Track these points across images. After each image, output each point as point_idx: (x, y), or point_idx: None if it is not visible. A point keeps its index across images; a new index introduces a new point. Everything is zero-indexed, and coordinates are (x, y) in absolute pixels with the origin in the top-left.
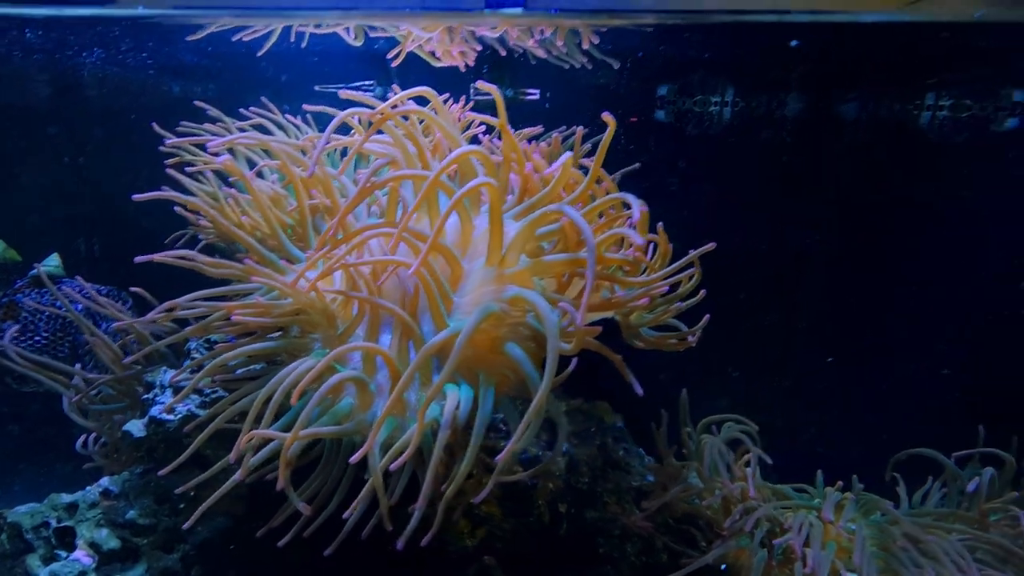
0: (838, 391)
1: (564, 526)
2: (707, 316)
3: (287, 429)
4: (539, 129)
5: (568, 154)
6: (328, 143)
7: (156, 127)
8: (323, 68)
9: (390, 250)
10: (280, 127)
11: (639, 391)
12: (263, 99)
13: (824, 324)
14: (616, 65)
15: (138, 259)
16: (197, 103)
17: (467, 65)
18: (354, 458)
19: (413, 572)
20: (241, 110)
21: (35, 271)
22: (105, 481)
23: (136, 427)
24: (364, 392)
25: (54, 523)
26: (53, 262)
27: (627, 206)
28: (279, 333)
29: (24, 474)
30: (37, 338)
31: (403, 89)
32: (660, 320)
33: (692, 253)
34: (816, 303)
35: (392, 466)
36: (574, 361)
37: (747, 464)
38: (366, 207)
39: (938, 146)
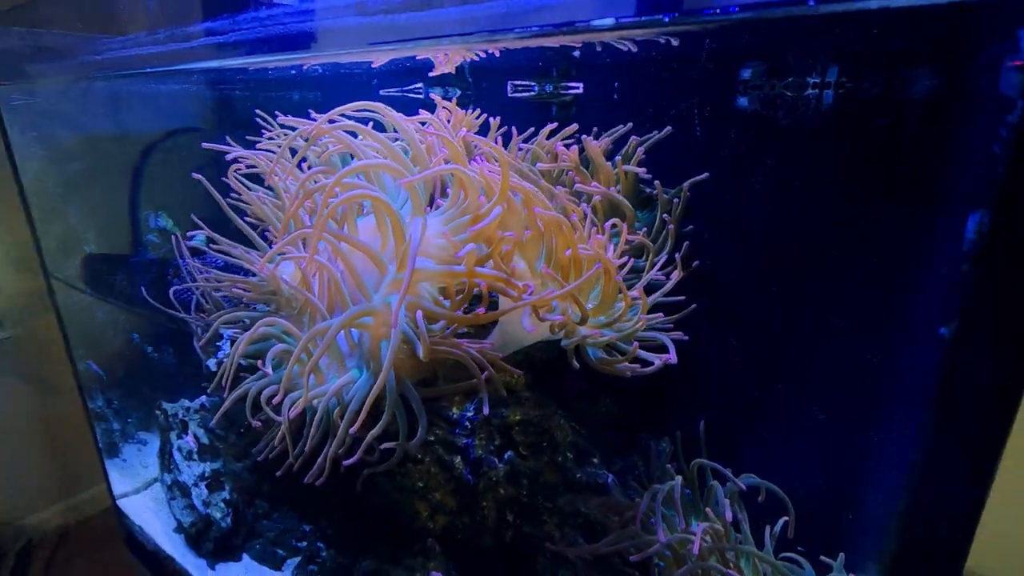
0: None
1: (510, 534)
2: (636, 344)
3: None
4: (572, 129)
5: (439, 167)
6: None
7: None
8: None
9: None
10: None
11: (486, 410)
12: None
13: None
14: None
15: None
16: (279, 115)
17: None
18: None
19: (385, 534)
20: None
21: (191, 242)
22: (203, 398)
23: (211, 364)
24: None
25: (180, 415)
26: (200, 238)
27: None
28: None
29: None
30: (190, 293)
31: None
32: (601, 343)
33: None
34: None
35: (292, 413)
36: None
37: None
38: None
39: None
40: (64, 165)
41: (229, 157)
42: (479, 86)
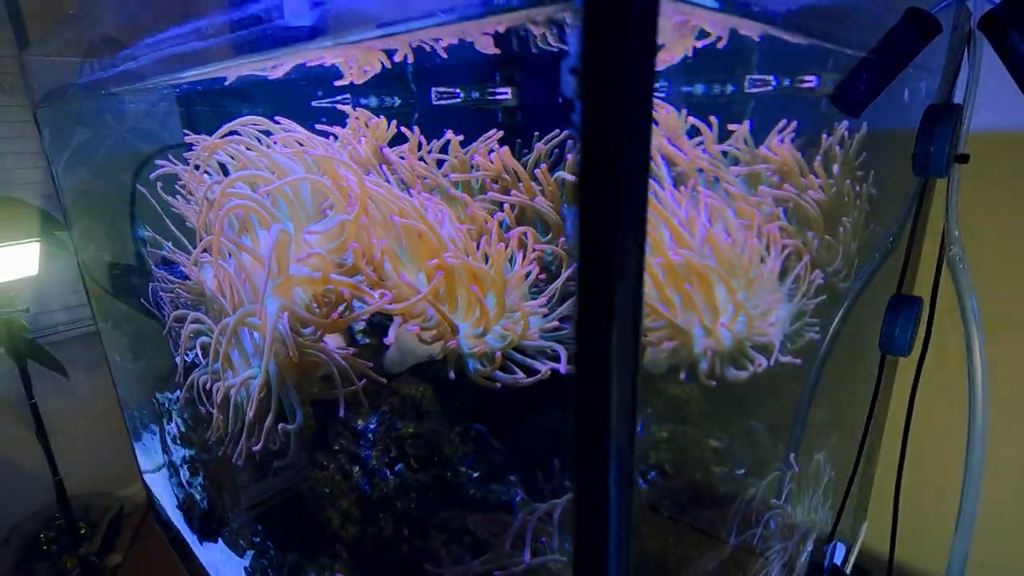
0: None
1: (405, 548)
2: (499, 355)
3: None
4: (495, 135)
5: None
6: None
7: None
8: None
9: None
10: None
11: (341, 413)
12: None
13: None
14: None
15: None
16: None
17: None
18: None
19: (313, 535)
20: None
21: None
22: (179, 391)
23: (177, 358)
24: None
25: (167, 405)
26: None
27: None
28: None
29: None
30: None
31: None
32: (476, 354)
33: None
34: None
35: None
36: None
37: None
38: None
39: None
40: (84, 183)
41: (156, 174)
42: (422, 93)
